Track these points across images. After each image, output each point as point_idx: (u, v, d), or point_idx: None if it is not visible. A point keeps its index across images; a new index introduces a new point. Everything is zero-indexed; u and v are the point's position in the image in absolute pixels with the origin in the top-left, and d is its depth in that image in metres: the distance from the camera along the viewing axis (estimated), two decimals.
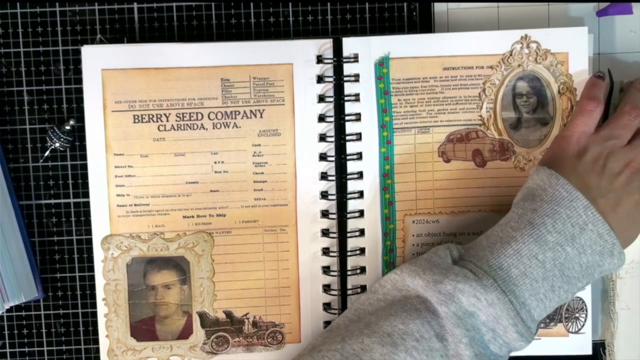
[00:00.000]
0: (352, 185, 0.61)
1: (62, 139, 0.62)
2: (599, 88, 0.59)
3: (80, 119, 0.62)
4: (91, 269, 0.63)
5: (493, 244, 0.55)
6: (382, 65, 0.61)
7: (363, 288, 0.61)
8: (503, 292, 0.52)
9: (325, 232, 0.62)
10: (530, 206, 0.55)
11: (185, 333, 0.62)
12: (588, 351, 0.62)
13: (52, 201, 0.64)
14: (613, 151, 0.57)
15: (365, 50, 0.61)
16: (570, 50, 0.61)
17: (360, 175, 0.61)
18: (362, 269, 0.62)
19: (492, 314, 0.52)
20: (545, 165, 0.57)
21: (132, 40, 0.63)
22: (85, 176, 0.63)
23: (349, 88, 0.61)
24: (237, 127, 0.61)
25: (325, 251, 0.62)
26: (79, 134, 0.64)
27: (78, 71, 0.63)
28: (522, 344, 0.53)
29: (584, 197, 0.54)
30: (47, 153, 0.64)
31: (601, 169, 0.56)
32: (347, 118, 0.61)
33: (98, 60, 0.60)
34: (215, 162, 0.61)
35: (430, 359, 0.52)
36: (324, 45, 0.61)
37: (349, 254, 0.62)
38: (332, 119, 0.61)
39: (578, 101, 0.60)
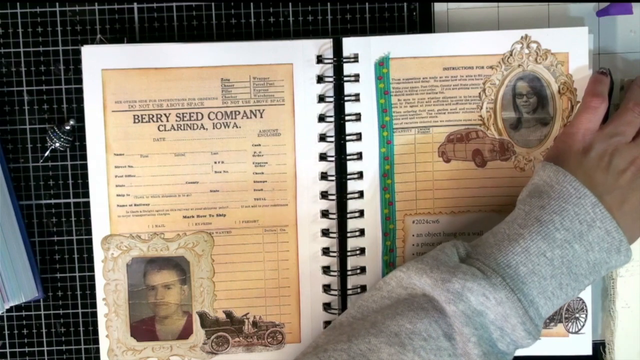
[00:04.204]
0: (352, 185, 0.61)
1: (62, 139, 0.62)
2: (602, 84, 0.59)
3: (80, 119, 0.62)
4: (91, 269, 0.63)
5: (500, 241, 0.54)
6: (382, 65, 0.61)
7: (363, 288, 0.61)
8: (512, 290, 0.52)
9: (325, 232, 0.62)
10: (538, 203, 0.55)
11: (185, 333, 0.62)
12: (588, 351, 0.62)
13: (52, 201, 0.64)
14: (618, 148, 0.56)
15: (365, 50, 0.61)
16: (571, 50, 0.61)
17: (360, 175, 0.61)
18: (362, 269, 0.62)
19: (501, 312, 0.52)
20: (550, 161, 0.57)
21: (132, 40, 0.63)
22: (85, 176, 0.63)
23: (349, 88, 0.61)
24: (237, 127, 0.61)
25: (325, 251, 0.62)
26: (79, 134, 0.64)
27: (78, 71, 0.63)
28: (529, 341, 0.53)
29: (592, 194, 0.54)
30: (47, 153, 0.64)
31: (607, 166, 0.56)
32: (347, 118, 0.61)
33: (98, 60, 0.60)
34: (215, 162, 0.61)
35: (439, 358, 0.52)
36: (324, 45, 0.61)
37: (349, 254, 0.62)
38: (332, 119, 0.61)
39: (582, 98, 0.60)
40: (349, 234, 0.61)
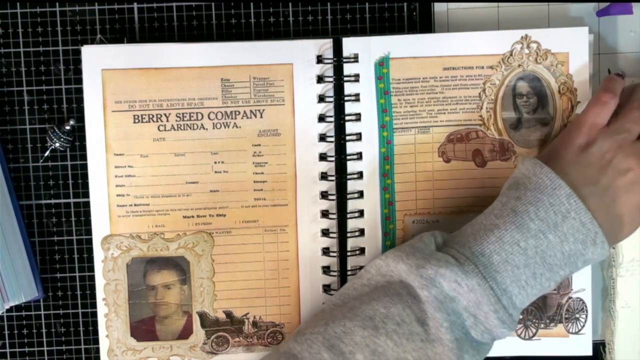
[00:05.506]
0: (352, 185, 0.61)
1: (62, 139, 0.62)
2: (617, 83, 0.59)
3: (80, 119, 0.62)
4: (91, 269, 0.63)
5: (477, 231, 0.55)
6: (382, 65, 0.61)
7: None
8: (484, 278, 0.52)
9: (325, 232, 0.62)
10: (514, 194, 0.55)
11: (185, 333, 0.62)
12: (588, 352, 0.62)
13: (52, 201, 0.64)
14: (622, 146, 0.56)
15: (365, 50, 0.61)
16: (571, 50, 0.61)
17: (360, 175, 0.61)
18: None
19: (473, 299, 0.52)
20: (549, 153, 0.57)
21: (132, 40, 0.63)
22: (85, 176, 0.63)
23: (349, 88, 0.61)
24: (237, 127, 0.61)
25: (325, 251, 0.62)
26: (79, 134, 0.64)
27: (78, 71, 0.63)
28: (503, 330, 0.53)
29: (567, 185, 0.54)
30: (47, 153, 0.64)
31: (606, 164, 0.56)
32: (347, 118, 0.61)
33: (98, 60, 0.60)
34: (215, 162, 0.61)
35: (411, 342, 0.53)
36: (324, 45, 0.61)
37: (348, 253, 0.62)
38: (332, 119, 0.61)
39: (594, 94, 0.60)
40: (349, 234, 0.61)
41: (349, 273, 0.61)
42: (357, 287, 0.57)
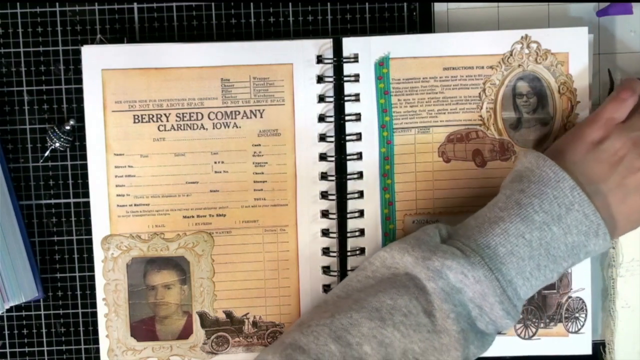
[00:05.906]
0: (352, 185, 0.61)
1: (62, 139, 0.62)
2: (637, 84, 0.58)
3: (80, 119, 0.62)
4: (91, 269, 0.63)
5: (481, 224, 0.55)
6: (382, 65, 0.61)
7: None
8: (490, 269, 0.53)
9: (325, 232, 0.62)
10: (518, 187, 0.55)
11: (185, 333, 0.62)
12: (588, 351, 0.62)
13: (52, 201, 0.64)
14: (637, 143, 0.56)
15: (365, 50, 0.61)
16: (571, 50, 0.61)
17: (360, 175, 0.61)
18: None
19: (479, 290, 0.53)
20: (554, 152, 0.57)
21: (132, 40, 0.63)
22: (85, 176, 0.63)
23: (349, 88, 0.61)
24: (237, 127, 0.61)
25: (326, 251, 0.62)
26: (79, 134, 0.64)
27: (78, 71, 0.63)
28: (508, 321, 0.53)
29: (570, 177, 0.54)
30: (47, 153, 0.64)
31: (618, 161, 0.55)
32: (347, 118, 0.61)
33: (98, 60, 0.60)
34: (215, 162, 0.61)
35: (418, 333, 0.53)
36: (324, 45, 0.61)
37: (349, 254, 0.62)
38: (332, 119, 0.61)
39: (614, 91, 0.59)
40: (349, 234, 0.61)
41: (349, 273, 0.61)
42: (361, 279, 0.57)
